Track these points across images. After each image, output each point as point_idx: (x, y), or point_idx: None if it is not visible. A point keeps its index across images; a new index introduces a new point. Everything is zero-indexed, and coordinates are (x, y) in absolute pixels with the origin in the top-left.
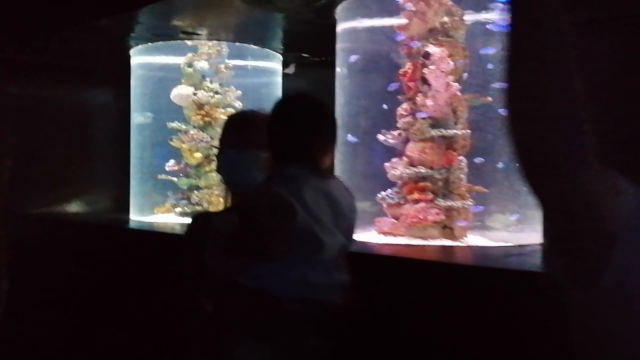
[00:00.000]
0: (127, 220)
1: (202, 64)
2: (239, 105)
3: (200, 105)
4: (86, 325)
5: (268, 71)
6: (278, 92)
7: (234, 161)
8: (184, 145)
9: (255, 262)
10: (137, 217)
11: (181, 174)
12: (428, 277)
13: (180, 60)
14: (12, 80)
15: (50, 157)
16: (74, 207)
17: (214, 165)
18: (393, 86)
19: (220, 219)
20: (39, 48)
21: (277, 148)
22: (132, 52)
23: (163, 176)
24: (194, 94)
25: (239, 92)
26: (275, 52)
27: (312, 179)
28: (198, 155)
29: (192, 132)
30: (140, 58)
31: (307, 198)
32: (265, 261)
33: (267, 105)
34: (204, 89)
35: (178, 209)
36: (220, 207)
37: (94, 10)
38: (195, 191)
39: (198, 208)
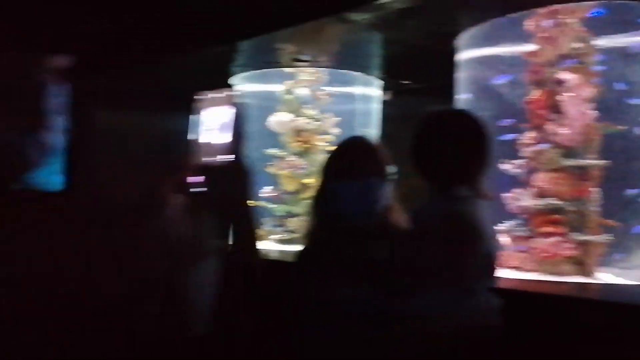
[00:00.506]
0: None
1: (302, 91)
2: (336, 132)
3: (298, 132)
4: None
5: (367, 97)
6: (376, 119)
7: (352, 192)
8: (284, 172)
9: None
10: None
11: (276, 201)
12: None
13: (277, 87)
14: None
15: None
16: None
17: (309, 192)
18: (506, 122)
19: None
20: (138, 75)
21: (440, 168)
22: (231, 80)
23: (259, 202)
24: (293, 121)
25: (337, 118)
26: (374, 78)
27: (478, 201)
28: (297, 182)
29: (290, 158)
30: (239, 86)
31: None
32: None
33: (365, 132)
34: (303, 116)
35: (274, 236)
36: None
37: (200, 41)
38: (290, 218)
39: (295, 235)
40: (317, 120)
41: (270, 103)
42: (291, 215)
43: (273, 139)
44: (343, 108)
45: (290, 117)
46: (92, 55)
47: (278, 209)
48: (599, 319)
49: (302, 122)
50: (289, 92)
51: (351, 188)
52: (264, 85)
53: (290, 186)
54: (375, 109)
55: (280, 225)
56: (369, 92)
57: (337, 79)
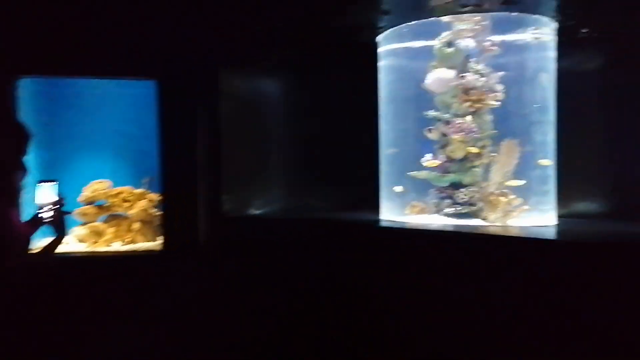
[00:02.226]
0: (378, 220)
1: (468, 42)
2: (501, 89)
3: (466, 90)
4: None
5: (538, 45)
6: (550, 71)
7: None
8: (455, 137)
9: None
10: (389, 217)
11: (438, 170)
12: None
13: (430, 43)
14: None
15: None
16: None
17: (482, 159)
18: None
19: None
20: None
21: None
22: (379, 39)
23: (415, 173)
24: (462, 77)
25: (501, 72)
26: (548, 20)
27: None
28: (470, 148)
29: (458, 121)
30: (387, 46)
31: None
32: None
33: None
34: (470, 71)
35: (446, 209)
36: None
37: None
38: (461, 189)
39: (473, 208)
40: (483, 75)
41: (422, 62)
42: (460, 185)
43: (428, 100)
44: (509, 60)
45: (453, 74)
46: None
47: (444, 179)
48: None
49: (471, 78)
50: (449, 44)
51: None
52: (413, 41)
53: (459, 152)
54: (549, 59)
55: (449, 197)
56: (541, 38)
57: (502, 23)
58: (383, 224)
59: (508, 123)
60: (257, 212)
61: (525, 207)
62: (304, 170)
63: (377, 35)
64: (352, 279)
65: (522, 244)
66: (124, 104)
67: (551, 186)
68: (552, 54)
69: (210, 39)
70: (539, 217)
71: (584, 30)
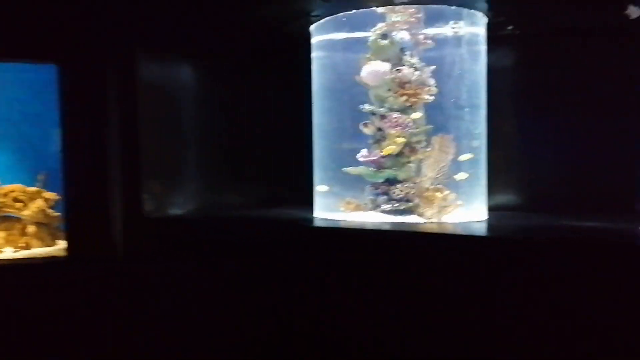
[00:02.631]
0: (311, 219)
1: (402, 35)
2: (433, 83)
3: (401, 84)
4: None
5: (470, 39)
6: (481, 65)
7: None
8: (392, 132)
9: None
10: (323, 215)
11: (373, 166)
12: None
13: (365, 34)
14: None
15: (220, 149)
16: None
17: (417, 154)
18: None
19: None
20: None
21: None
22: (312, 29)
23: (350, 169)
24: (397, 70)
25: (433, 66)
26: (480, 14)
27: None
28: (401, 141)
29: (395, 115)
30: (320, 36)
31: None
32: None
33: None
34: (405, 64)
35: (383, 206)
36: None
37: None
38: (397, 185)
39: (409, 204)
40: (417, 69)
41: (356, 54)
42: (395, 181)
43: (363, 94)
44: (440, 53)
45: (388, 67)
46: None
47: (379, 175)
48: None
49: (407, 71)
50: (384, 36)
51: None
52: (348, 33)
53: (396, 147)
54: (479, 53)
55: (385, 194)
56: (473, 32)
57: (434, 17)
58: (316, 222)
59: (440, 118)
60: (180, 211)
61: (459, 202)
62: (230, 166)
63: (310, 25)
64: (284, 278)
65: (457, 241)
66: (18, 91)
67: (482, 181)
68: (482, 48)
69: (124, 20)
70: (472, 212)
71: (509, 28)
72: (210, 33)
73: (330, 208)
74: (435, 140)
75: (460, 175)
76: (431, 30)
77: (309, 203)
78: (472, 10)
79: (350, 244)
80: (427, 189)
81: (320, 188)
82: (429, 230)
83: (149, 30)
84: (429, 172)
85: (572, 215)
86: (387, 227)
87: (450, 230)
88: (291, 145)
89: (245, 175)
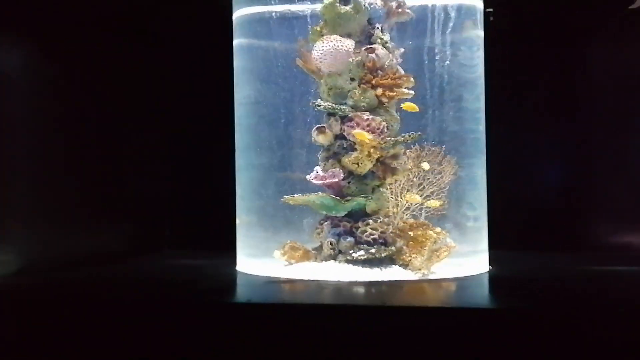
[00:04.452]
0: (234, 274)
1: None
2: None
3: (372, 71)
4: None
5: (465, 13)
6: (475, 56)
7: None
8: (367, 138)
9: None
10: (250, 269)
11: (330, 191)
12: None
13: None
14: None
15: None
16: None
17: (393, 174)
18: None
19: None
20: None
21: None
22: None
23: (297, 197)
24: (369, 50)
25: (401, 50)
26: None
27: None
28: (377, 154)
29: (366, 116)
30: (245, 9)
31: None
32: None
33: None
34: (376, 42)
35: (349, 252)
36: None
37: None
38: (369, 219)
39: (389, 250)
40: (389, 51)
41: (293, 30)
42: (362, 214)
43: (304, 85)
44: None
45: (352, 45)
46: None
47: (341, 204)
48: None
49: (381, 52)
50: (344, 1)
51: None
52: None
53: (365, 164)
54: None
55: (348, 233)
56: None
57: None
58: (237, 295)
59: (414, 122)
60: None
61: (452, 243)
62: (89, 196)
63: None
64: None
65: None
66: None
67: (481, 211)
68: (480, 34)
69: None
70: (469, 261)
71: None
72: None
73: (262, 254)
74: (411, 153)
75: (433, 203)
76: None
77: (227, 246)
78: None
79: (300, 333)
80: (412, 226)
81: (241, 220)
82: (433, 304)
83: None
84: (414, 200)
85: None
86: (367, 299)
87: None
88: (203, 164)
89: (114, 209)
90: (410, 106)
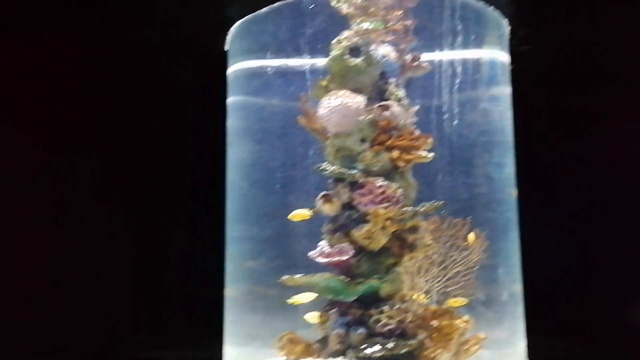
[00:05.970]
0: None
1: (385, 51)
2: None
3: (386, 130)
4: None
5: (489, 64)
6: (503, 109)
7: None
8: (377, 211)
9: None
10: None
11: (337, 271)
12: None
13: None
14: None
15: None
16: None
17: (412, 251)
18: None
19: None
20: None
21: None
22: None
23: (298, 278)
24: (383, 108)
25: (416, 107)
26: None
27: None
28: (393, 228)
29: (379, 182)
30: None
31: None
32: None
33: None
34: (390, 98)
35: (361, 348)
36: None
37: None
38: (380, 305)
39: (410, 343)
40: (406, 108)
41: (298, 83)
42: (376, 299)
43: (303, 146)
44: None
45: (363, 102)
46: None
47: (352, 288)
48: None
49: (397, 110)
50: (354, 51)
51: None
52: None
53: (380, 238)
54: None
55: (359, 323)
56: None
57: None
58: None
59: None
60: None
61: (481, 334)
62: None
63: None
64: None
65: None
66: None
67: (519, 302)
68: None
69: None
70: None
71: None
72: None
73: (252, 349)
74: (429, 225)
75: (455, 302)
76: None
77: (214, 334)
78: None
79: None
80: (435, 312)
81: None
82: None
83: None
84: (433, 284)
85: None
86: None
87: None
88: (189, 235)
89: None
90: None
